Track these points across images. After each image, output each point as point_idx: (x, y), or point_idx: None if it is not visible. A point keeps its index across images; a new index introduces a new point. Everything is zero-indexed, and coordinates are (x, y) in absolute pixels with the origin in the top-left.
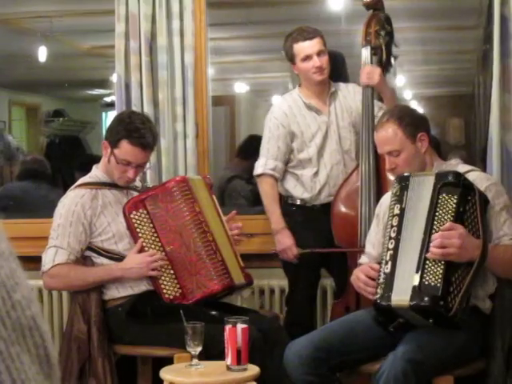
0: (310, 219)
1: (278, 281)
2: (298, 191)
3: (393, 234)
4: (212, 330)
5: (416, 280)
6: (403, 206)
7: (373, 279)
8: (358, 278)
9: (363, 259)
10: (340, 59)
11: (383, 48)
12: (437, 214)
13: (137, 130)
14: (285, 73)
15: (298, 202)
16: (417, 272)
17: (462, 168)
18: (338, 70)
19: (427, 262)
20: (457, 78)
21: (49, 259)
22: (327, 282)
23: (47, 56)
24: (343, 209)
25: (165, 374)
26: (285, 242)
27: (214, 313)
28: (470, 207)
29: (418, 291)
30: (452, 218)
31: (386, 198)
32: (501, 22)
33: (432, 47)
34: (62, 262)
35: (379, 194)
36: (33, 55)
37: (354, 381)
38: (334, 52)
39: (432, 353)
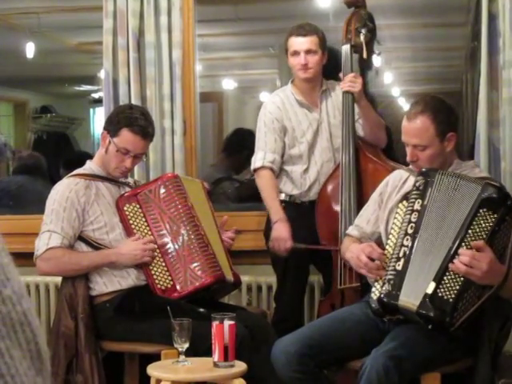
0: (298, 216)
1: (265, 277)
2: (288, 187)
3: (410, 231)
4: (199, 327)
5: (430, 288)
6: (425, 202)
7: (373, 259)
8: (360, 259)
9: (353, 231)
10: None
11: (364, 46)
12: (472, 227)
13: (138, 119)
14: (273, 70)
15: (288, 199)
16: (434, 280)
17: (479, 173)
18: (336, 67)
19: (447, 273)
20: (445, 75)
21: (42, 243)
22: (314, 279)
23: (35, 52)
24: (326, 205)
25: (152, 370)
26: (281, 232)
27: (201, 310)
28: (505, 227)
29: (428, 300)
30: (486, 237)
31: (393, 180)
32: (489, 20)
33: (420, 44)
34: (56, 245)
35: (359, 186)
36: (20, 51)
37: (341, 378)
38: (335, 50)
39: (415, 350)
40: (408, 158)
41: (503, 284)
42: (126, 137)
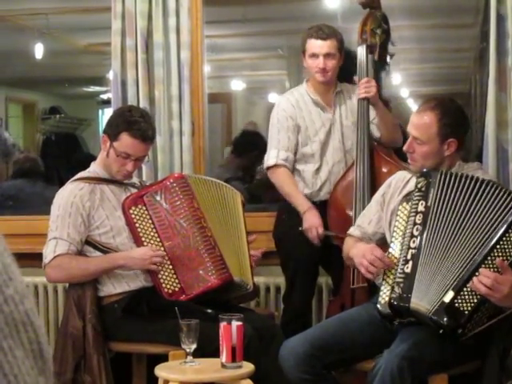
0: None
1: (273, 279)
2: (299, 187)
3: (416, 233)
4: (207, 328)
5: (448, 297)
6: (428, 204)
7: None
8: (371, 260)
9: (355, 232)
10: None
11: (379, 46)
12: (502, 242)
13: (137, 122)
14: (281, 71)
15: None
16: (453, 290)
17: (482, 175)
18: (348, 67)
19: (467, 285)
20: (453, 76)
21: (50, 250)
22: (323, 280)
23: (44, 53)
24: (338, 208)
25: (159, 371)
26: (312, 220)
27: (209, 310)
28: None
29: (445, 308)
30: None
31: (396, 181)
32: (497, 21)
33: (428, 45)
34: (63, 252)
35: (373, 187)
36: (29, 52)
37: (349, 379)
38: (351, 51)
39: (428, 351)
40: (405, 147)
41: None
42: (126, 141)
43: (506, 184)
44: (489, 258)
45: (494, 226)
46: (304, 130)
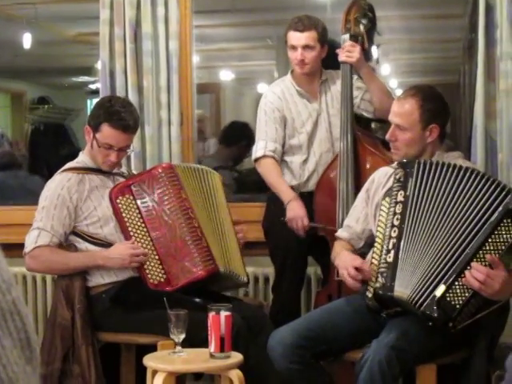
0: None
1: (262, 269)
2: (287, 178)
3: (396, 222)
4: (195, 318)
5: (440, 291)
6: (407, 193)
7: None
8: (351, 275)
9: (342, 233)
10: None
11: (364, 36)
12: (493, 236)
13: (117, 112)
14: (270, 61)
15: None
16: (444, 284)
17: (463, 163)
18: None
19: (459, 279)
20: (442, 66)
21: (31, 241)
22: (311, 270)
23: (32, 43)
24: (324, 194)
25: (148, 361)
26: (297, 210)
27: (197, 300)
28: None
29: (436, 302)
30: (503, 251)
31: (379, 176)
32: (486, 11)
33: (417, 36)
34: (44, 244)
35: (357, 171)
36: (17, 42)
37: (337, 369)
38: (333, 41)
39: (416, 340)
40: (387, 136)
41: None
42: (107, 132)
43: (495, 174)
44: (480, 252)
45: (480, 214)
46: (291, 121)
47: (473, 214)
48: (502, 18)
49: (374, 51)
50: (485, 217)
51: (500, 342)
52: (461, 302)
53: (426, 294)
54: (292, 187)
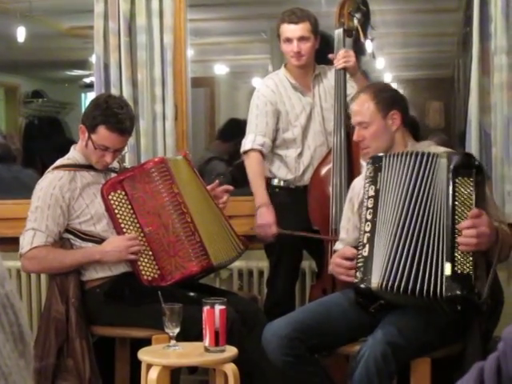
0: (293, 201)
1: (256, 262)
2: (282, 172)
3: (369, 216)
4: (190, 312)
5: (448, 269)
6: (378, 187)
7: (351, 259)
8: (335, 263)
9: (338, 246)
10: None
11: (358, 30)
12: (457, 198)
13: (114, 115)
14: (265, 55)
15: (282, 184)
16: (447, 260)
17: (435, 149)
18: (328, 52)
19: (456, 249)
20: (437, 60)
21: (27, 242)
22: (306, 264)
23: (26, 36)
24: (319, 189)
25: (143, 355)
26: (266, 217)
27: (192, 294)
28: (481, 186)
29: (451, 281)
30: (474, 203)
31: (358, 182)
32: (480, 5)
33: (412, 30)
34: (40, 244)
35: (350, 167)
36: (11, 35)
37: (332, 362)
38: (327, 35)
39: (412, 336)
40: (354, 138)
41: (497, 240)
42: (103, 134)
43: (490, 168)
44: (456, 217)
45: (440, 189)
46: (285, 115)
47: (436, 194)
48: (497, 12)
49: (369, 45)
50: (444, 189)
51: (494, 336)
52: (471, 267)
53: (394, 277)
54: (287, 181)
